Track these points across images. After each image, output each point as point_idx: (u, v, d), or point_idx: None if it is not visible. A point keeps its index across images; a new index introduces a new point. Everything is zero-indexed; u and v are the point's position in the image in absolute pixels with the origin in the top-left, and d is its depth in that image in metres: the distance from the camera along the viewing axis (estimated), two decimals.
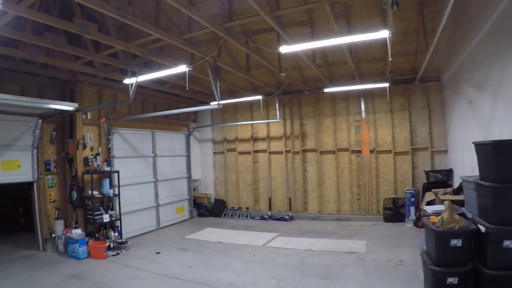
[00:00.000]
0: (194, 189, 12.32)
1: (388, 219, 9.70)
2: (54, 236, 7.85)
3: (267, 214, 11.31)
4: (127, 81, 7.38)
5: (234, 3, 6.36)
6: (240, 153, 12.16)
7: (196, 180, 12.57)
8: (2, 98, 5.91)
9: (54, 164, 8.53)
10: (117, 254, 7.61)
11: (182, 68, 6.91)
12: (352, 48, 8.37)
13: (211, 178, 12.71)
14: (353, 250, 7.27)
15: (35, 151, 7.72)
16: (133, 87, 7.03)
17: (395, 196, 9.82)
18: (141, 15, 6.00)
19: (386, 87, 9.13)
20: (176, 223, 10.99)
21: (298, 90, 10.86)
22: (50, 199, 8.34)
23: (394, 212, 9.70)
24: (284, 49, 6.15)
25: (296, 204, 11.24)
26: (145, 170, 10.12)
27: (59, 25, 5.34)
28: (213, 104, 8.04)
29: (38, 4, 5.59)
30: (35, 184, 7.68)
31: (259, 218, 11.33)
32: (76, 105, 7.11)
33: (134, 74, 7.18)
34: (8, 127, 7.16)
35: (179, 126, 11.89)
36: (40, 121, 7.63)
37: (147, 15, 6.38)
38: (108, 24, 6.78)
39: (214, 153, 12.69)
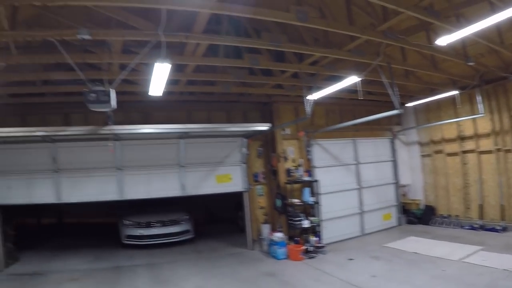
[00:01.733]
0: (403, 195, 14.61)
1: None
2: (261, 238, 12.15)
3: (477, 223, 12.44)
4: (309, 97, 10.71)
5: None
6: (448, 154, 13.65)
7: (405, 186, 14.82)
8: (211, 127, 10.81)
9: (263, 176, 13.03)
10: (313, 257, 10.93)
11: (353, 79, 9.58)
12: None
13: (420, 183, 14.74)
14: None
15: (243, 165, 12.32)
16: (310, 104, 10.34)
17: None
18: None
19: None
20: (381, 230, 13.64)
21: (502, 77, 11.44)
22: (259, 206, 12.83)
23: None
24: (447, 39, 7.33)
25: (511, 213, 11.88)
26: (348, 178, 13.27)
27: (233, 64, 9.48)
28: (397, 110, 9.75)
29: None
30: (245, 193, 12.30)
31: (468, 227, 12.61)
32: (269, 125, 10.85)
33: (317, 89, 10.61)
34: (220, 148, 12.04)
35: (381, 131, 14.49)
36: (245, 140, 12.11)
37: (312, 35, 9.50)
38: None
39: (422, 156, 14.68)
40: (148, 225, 13.17)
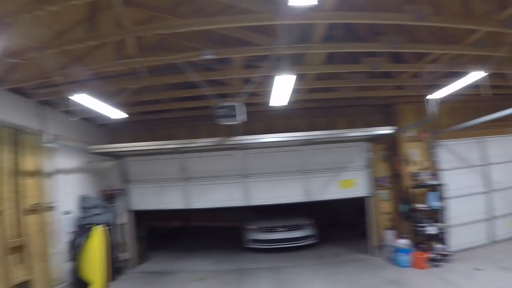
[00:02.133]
0: None
1: None
2: (384, 244, 12.52)
3: None
4: (431, 96, 10.88)
5: None
6: None
7: None
8: (333, 133, 11.46)
9: (386, 180, 13.32)
10: (437, 266, 11.06)
11: (478, 74, 9.36)
12: None
13: None
14: None
15: (367, 170, 12.84)
16: (435, 103, 10.55)
17: None
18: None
19: None
20: None
21: None
22: (383, 211, 13.14)
23: None
24: None
25: None
26: (476, 180, 12.95)
27: (353, 69, 10.05)
28: None
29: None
30: (369, 198, 12.82)
31: None
32: (393, 128, 11.40)
33: (439, 87, 10.72)
34: (342, 153, 12.71)
35: None
36: (368, 144, 12.64)
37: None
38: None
39: None
40: (272, 230, 14.33)
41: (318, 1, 5.34)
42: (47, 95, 9.77)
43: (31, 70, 8.32)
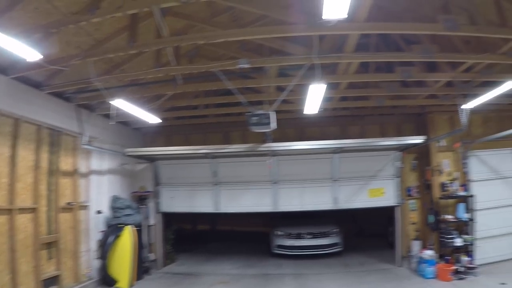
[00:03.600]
0: None
1: None
2: (410, 255, 12.53)
3: None
4: (465, 106, 10.72)
5: None
6: None
7: None
8: (364, 142, 11.75)
9: (416, 190, 13.42)
10: (462, 278, 11.03)
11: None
12: None
13: None
14: None
15: (397, 179, 12.86)
16: (466, 113, 10.48)
17: None
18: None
19: None
20: None
21: None
22: (411, 221, 13.23)
23: None
24: None
25: None
26: (508, 192, 12.87)
27: (385, 78, 10.29)
28: None
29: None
30: (397, 208, 12.82)
31: None
32: (424, 137, 11.40)
33: (473, 96, 10.56)
34: (372, 161, 12.74)
35: None
36: (399, 153, 12.66)
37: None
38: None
39: None
40: (299, 236, 14.51)
41: (350, 13, 5.51)
42: (86, 99, 10.28)
43: (72, 75, 8.78)
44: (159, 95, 10.35)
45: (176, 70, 8.59)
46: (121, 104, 9.15)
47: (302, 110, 10.43)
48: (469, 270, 11.49)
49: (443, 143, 13.02)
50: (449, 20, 7.43)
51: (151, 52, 8.72)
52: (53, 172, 9.93)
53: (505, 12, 8.09)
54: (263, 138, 10.80)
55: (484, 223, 12.39)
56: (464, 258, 11.72)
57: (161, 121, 11.37)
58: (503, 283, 10.46)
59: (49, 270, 9.41)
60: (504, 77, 9.63)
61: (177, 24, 8.83)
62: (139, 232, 11.90)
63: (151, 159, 13.20)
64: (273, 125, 8.75)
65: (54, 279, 9.50)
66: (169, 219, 14.31)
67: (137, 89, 9.98)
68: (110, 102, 8.95)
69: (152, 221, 13.47)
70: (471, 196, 12.46)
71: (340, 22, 6.23)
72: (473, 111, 11.32)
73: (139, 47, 7.65)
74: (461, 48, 9.46)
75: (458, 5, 8.84)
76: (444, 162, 13.08)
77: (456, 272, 11.39)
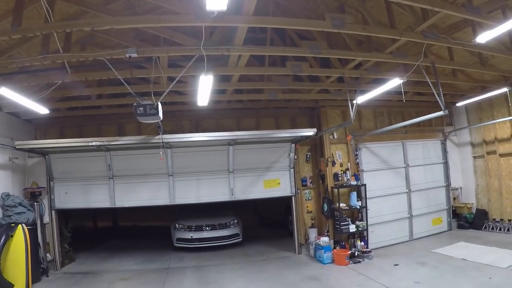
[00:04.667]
0: (454, 199, 15.21)
1: None
2: (308, 242, 13.14)
3: None
4: (355, 101, 11.31)
5: None
6: (501, 155, 13.95)
7: (457, 189, 15.46)
8: (259, 134, 12.03)
9: (310, 180, 14.10)
10: (358, 262, 11.75)
11: (396, 81, 10.16)
12: None
13: (472, 185, 15.28)
14: None
15: (291, 170, 13.39)
16: (353, 108, 11.03)
17: None
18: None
19: None
20: (431, 235, 14.27)
21: None
22: (307, 210, 13.88)
23: None
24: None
25: None
26: (396, 181, 14.03)
27: (276, 72, 10.64)
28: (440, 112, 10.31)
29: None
30: (293, 197, 13.37)
31: None
32: (315, 130, 11.87)
33: (362, 92, 11.45)
34: (268, 153, 13.17)
35: (432, 133, 15.13)
36: (293, 145, 13.13)
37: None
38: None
39: (474, 157, 15.18)
40: (199, 229, 14.62)
41: (238, 6, 5.93)
42: None
43: None
44: (50, 84, 9.89)
45: (62, 57, 8.28)
46: (7, 93, 8.65)
47: (197, 102, 10.58)
48: (364, 254, 12.30)
49: (336, 135, 13.80)
50: (336, 18, 7.91)
51: (41, 39, 8.35)
52: None
53: (395, 15, 8.87)
54: (158, 130, 10.77)
55: (376, 210, 13.39)
56: (359, 243, 12.58)
57: (49, 111, 10.91)
58: (396, 264, 11.39)
59: None
60: (390, 75, 10.52)
61: (69, 9, 8.63)
62: (33, 231, 11.36)
63: (43, 152, 12.55)
64: (160, 115, 8.70)
65: None
66: (67, 216, 13.94)
67: (25, 77, 9.52)
68: None
69: (47, 218, 12.88)
70: (363, 185, 13.38)
71: (227, 15, 6.48)
72: (364, 106, 12.11)
73: (23, 32, 7.26)
74: (354, 47, 10.11)
75: (353, 7, 9.59)
76: (337, 153, 13.83)
77: (352, 256, 12.15)
